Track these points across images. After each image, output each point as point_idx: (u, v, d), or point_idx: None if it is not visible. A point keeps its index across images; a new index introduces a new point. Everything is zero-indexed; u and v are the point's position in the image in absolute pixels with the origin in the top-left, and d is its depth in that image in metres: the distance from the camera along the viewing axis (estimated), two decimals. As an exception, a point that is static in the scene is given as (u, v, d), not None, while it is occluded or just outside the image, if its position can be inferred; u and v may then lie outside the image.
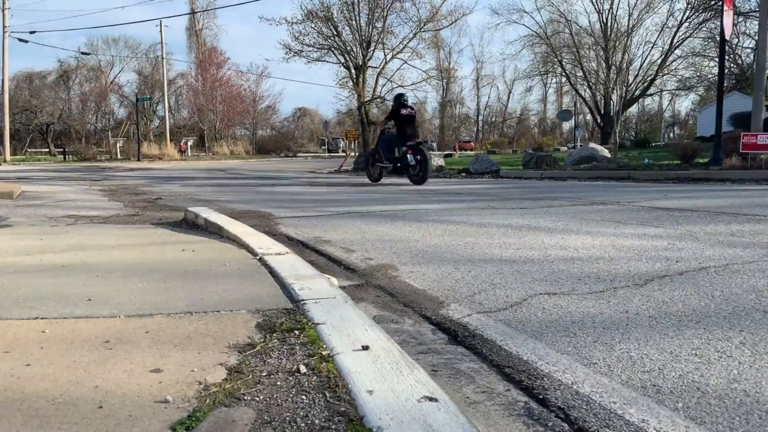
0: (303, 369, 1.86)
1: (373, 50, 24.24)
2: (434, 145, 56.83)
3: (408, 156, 11.62)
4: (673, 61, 44.99)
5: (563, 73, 50.40)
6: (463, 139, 66.46)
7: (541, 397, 1.88)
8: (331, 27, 23.69)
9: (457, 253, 4.32)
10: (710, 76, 42.78)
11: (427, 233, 5.33)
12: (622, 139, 42.91)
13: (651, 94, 52.01)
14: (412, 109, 12.20)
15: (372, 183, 13.87)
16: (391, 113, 12.50)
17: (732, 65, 39.76)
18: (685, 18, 42.07)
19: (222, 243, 4.45)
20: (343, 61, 24.31)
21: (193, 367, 1.88)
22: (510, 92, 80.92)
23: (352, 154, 29.79)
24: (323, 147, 56.32)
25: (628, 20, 45.17)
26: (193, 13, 58.66)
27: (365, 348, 1.97)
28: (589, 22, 48.76)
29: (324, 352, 1.97)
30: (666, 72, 45.80)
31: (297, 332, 2.21)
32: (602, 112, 46.93)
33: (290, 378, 1.80)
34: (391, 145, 12.06)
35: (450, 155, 40.28)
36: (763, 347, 2.26)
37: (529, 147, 41.93)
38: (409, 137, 11.65)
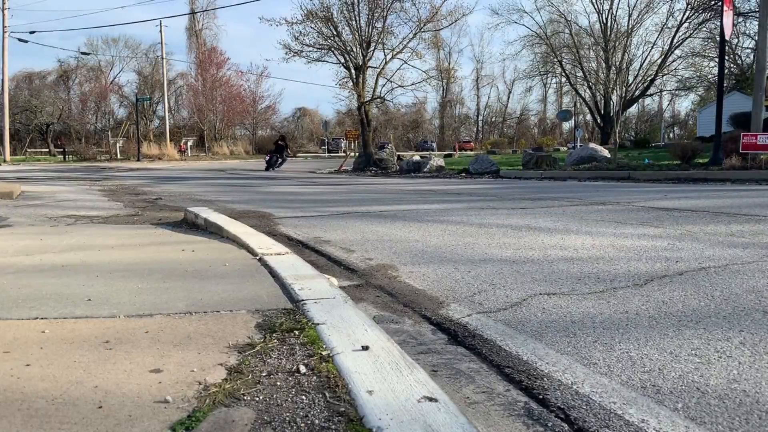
0: (303, 369, 1.86)
1: (373, 50, 24.19)
2: (434, 145, 56.84)
3: (270, 158, 24.49)
4: (673, 61, 44.98)
5: (563, 73, 50.36)
6: (463, 139, 66.46)
7: (541, 397, 1.88)
8: (331, 27, 23.64)
9: (457, 253, 4.32)
10: (710, 76, 42.76)
11: (427, 233, 5.33)
12: (622, 139, 42.89)
13: (651, 94, 52.01)
14: (284, 141, 25.64)
15: (371, 183, 14.63)
16: (275, 142, 26.03)
17: (732, 65, 39.75)
18: (685, 18, 42.09)
19: (222, 243, 4.45)
20: (343, 61, 24.25)
21: (193, 367, 1.88)
22: (510, 92, 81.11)
23: (352, 154, 29.86)
24: (323, 147, 56.33)
25: (628, 20, 45.18)
26: (193, 13, 58.68)
27: (365, 348, 1.97)
28: (589, 22, 48.78)
29: (324, 352, 1.97)
30: (666, 72, 45.75)
31: (297, 332, 2.21)
32: (602, 112, 46.91)
33: (290, 378, 1.80)
34: (268, 153, 25.36)
35: (450, 155, 40.29)
36: (763, 347, 2.26)
37: (529, 147, 41.91)
38: (277, 152, 24.68)
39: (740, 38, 39.17)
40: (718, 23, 23.81)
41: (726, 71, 27.52)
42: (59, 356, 1.98)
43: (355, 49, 24.14)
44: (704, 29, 40.76)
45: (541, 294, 3.09)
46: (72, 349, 2.06)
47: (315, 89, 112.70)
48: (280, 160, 24.65)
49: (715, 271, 3.53)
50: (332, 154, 49.56)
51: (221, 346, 2.09)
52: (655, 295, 3.01)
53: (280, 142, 25.37)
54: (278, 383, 1.77)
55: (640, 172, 14.44)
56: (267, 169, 23.68)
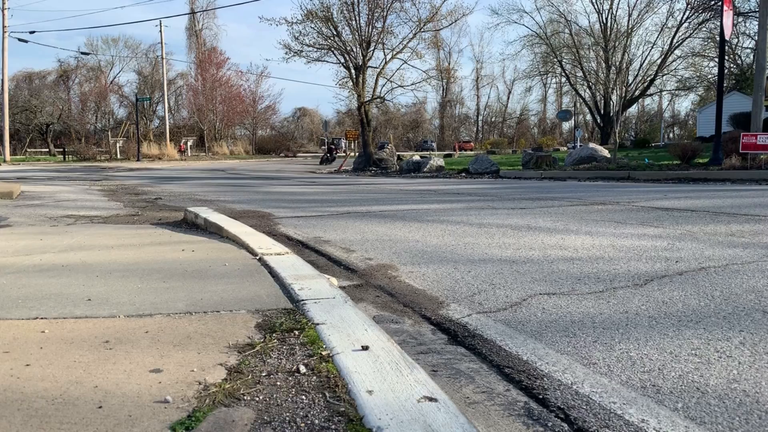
0: (303, 369, 1.86)
1: (373, 50, 24.16)
2: (434, 145, 56.82)
3: (324, 156, 32.13)
4: (673, 61, 44.97)
5: (563, 73, 50.38)
6: (463, 139, 66.52)
7: (540, 397, 1.88)
8: (331, 27, 23.60)
9: (457, 253, 4.32)
10: (710, 76, 42.78)
11: (427, 233, 5.33)
12: (622, 139, 42.93)
13: (651, 94, 51.98)
14: (333, 143, 34.72)
15: (371, 183, 14.73)
16: (328, 145, 33.68)
17: (732, 65, 39.76)
18: (684, 18, 42.08)
19: (222, 243, 4.45)
20: (342, 61, 24.22)
21: (193, 367, 1.88)
22: (510, 92, 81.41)
23: (352, 154, 30.14)
24: (323, 147, 56.41)
25: (628, 20, 45.21)
26: (193, 13, 58.65)
27: (365, 348, 1.97)
28: (589, 22, 48.93)
29: (324, 352, 1.97)
30: (666, 72, 45.76)
31: (297, 332, 2.21)
32: (602, 112, 46.91)
33: (290, 378, 1.80)
34: (323, 153, 33.86)
35: (450, 155, 40.32)
36: (762, 347, 2.26)
37: (528, 147, 41.96)
38: (329, 152, 31.88)
39: (740, 38, 39.17)
40: (718, 23, 23.80)
41: (726, 71, 27.54)
42: (59, 356, 1.98)
43: (355, 49, 24.13)
44: (704, 29, 40.78)
45: (540, 294, 3.09)
46: (72, 349, 2.05)
47: (315, 89, 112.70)
48: (331, 157, 32.52)
49: (715, 271, 3.53)
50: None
51: (221, 346, 2.09)
52: (655, 295, 3.01)
53: (331, 145, 34.47)
54: (278, 383, 1.77)
55: (640, 172, 14.44)
56: (321, 163, 31.74)
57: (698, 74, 45.02)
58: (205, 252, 4.06)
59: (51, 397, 1.65)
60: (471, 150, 54.16)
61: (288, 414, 1.57)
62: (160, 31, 48.44)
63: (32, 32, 42.86)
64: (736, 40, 38.40)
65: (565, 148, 41.14)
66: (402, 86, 24.67)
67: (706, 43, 42.31)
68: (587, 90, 50.05)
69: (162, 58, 49.73)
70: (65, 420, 1.52)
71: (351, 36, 24.07)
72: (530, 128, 73.11)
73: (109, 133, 50.08)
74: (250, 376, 1.81)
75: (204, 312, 2.52)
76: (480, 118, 74.92)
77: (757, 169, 13.12)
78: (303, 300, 2.61)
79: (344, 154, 34.59)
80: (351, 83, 24.55)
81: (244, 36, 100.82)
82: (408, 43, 24.21)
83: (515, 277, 3.50)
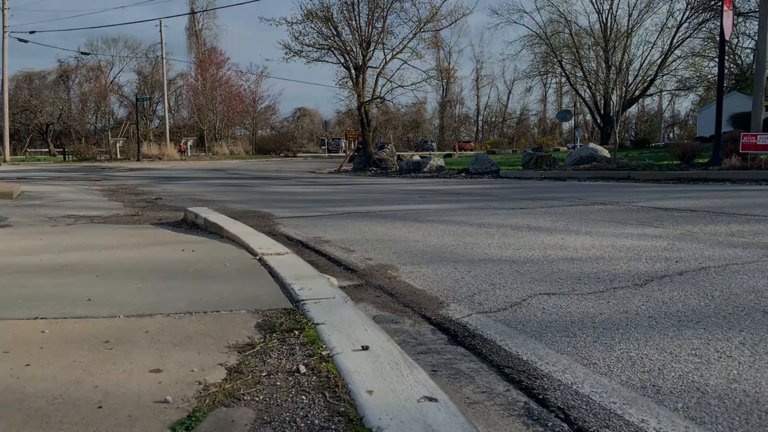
0: (303, 369, 1.86)
1: (373, 50, 24.19)
2: (434, 145, 56.86)
3: (352, 156, 29.71)
4: (673, 61, 44.97)
5: (563, 73, 50.37)
6: (463, 139, 66.54)
7: (540, 397, 1.88)
8: (331, 27, 23.62)
9: (457, 253, 4.32)
10: (710, 76, 42.78)
11: (427, 233, 5.33)
12: (622, 139, 42.91)
13: (651, 95, 51.99)
14: (359, 144, 31.71)
15: (371, 183, 14.77)
16: (356, 147, 34.34)
17: (732, 65, 39.75)
18: (684, 18, 42.05)
19: (222, 243, 4.45)
20: (342, 61, 24.24)
21: (193, 367, 1.88)
22: (510, 92, 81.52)
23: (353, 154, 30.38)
24: (323, 147, 56.50)
25: (628, 20, 45.19)
26: (193, 13, 58.67)
27: (365, 348, 1.97)
28: (589, 22, 48.93)
29: (324, 353, 1.97)
30: (666, 72, 45.75)
31: (297, 332, 2.21)
32: (602, 112, 46.90)
33: (290, 378, 1.80)
34: (352, 153, 33.32)
35: (450, 155, 40.33)
36: (762, 347, 2.26)
37: (528, 147, 41.95)
38: (357, 152, 30.24)
39: (740, 38, 39.17)
40: (718, 23, 23.80)
41: (726, 71, 27.53)
42: (59, 356, 1.98)
43: (355, 49, 24.14)
44: (704, 29, 40.76)
45: (541, 294, 3.09)
46: (72, 349, 2.05)
47: (315, 89, 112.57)
48: (358, 157, 33.21)
49: (715, 271, 3.53)
50: (332, 154, 49.65)
51: (221, 346, 2.09)
52: (655, 295, 3.01)
53: (359, 146, 36.72)
54: (278, 383, 1.77)
55: (640, 172, 14.44)
56: (350, 162, 32.01)
57: (698, 74, 45.03)
58: (205, 252, 4.06)
59: (51, 397, 1.65)
60: (471, 150, 54.17)
61: (288, 414, 1.57)
62: (160, 31, 48.53)
63: (32, 32, 42.94)
64: (736, 40, 38.41)
65: (565, 148, 41.11)
66: (402, 86, 24.69)
67: (706, 43, 42.32)
68: (587, 90, 50.06)
69: (162, 58, 49.72)
70: (65, 420, 1.52)
71: (351, 36, 24.09)
72: (530, 128, 73.05)
73: (109, 133, 50.08)
74: (250, 376, 1.81)
75: (204, 312, 2.52)
76: (480, 118, 74.95)
77: (757, 169, 13.12)
78: (303, 300, 2.61)
79: (344, 154, 34.97)
80: (351, 83, 24.55)
81: (244, 36, 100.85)
82: (408, 43, 24.22)
83: (515, 277, 3.50)
